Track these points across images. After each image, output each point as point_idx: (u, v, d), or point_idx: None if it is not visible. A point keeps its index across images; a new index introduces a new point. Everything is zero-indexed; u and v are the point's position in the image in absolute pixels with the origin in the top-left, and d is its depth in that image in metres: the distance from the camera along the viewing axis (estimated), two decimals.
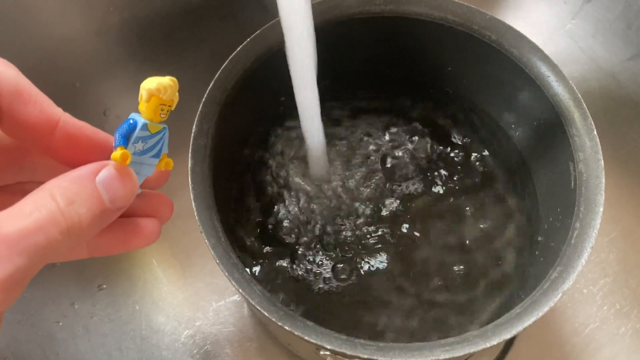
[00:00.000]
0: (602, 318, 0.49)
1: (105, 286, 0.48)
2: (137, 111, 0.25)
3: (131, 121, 0.24)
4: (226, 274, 0.33)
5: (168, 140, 0.26)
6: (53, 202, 0.21)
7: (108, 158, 0.25)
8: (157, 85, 0.24)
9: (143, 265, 0.50)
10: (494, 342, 0.32)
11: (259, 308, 0.32)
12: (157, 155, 0.26)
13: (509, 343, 0.48)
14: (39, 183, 0.28)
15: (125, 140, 0.24)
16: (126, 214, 0.27)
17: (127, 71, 0.51)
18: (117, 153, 0.23)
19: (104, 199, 0.22)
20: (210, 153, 0.38)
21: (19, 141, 0.25)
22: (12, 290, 0.19)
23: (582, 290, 0.50)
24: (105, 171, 0.23)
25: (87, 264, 0.48)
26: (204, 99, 0.39)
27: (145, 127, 0.24)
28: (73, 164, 0.26)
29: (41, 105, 0.24)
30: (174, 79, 0.24)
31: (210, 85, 0.39)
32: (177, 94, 0.25)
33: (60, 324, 0.44)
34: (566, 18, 0.55)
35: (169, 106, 0.25)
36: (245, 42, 0.41)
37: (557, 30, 0.56)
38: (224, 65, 0.40)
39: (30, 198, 0.21)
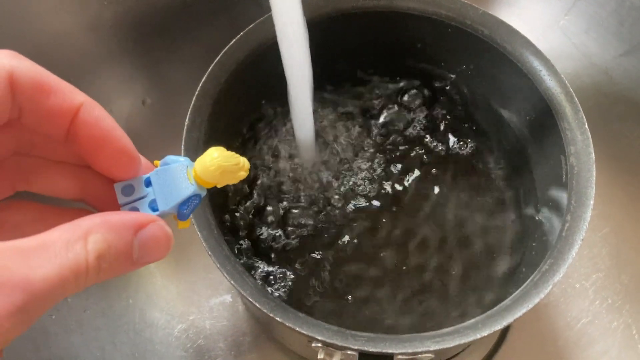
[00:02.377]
0: (594, 313, 0.49)
1: None
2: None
3: (197, 197, 0.23)
4: (218, 265, 0.33)
5: None
6: (84, 251, 0.20)
7: (119, 159, 0.25)
8: (235, 181, 0.23)
9: None
10: (485, 333, 0.32)
11: (251, 299, 0.32)
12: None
13: (502, 337, 0.48)
14: (34, 157, 0.27)
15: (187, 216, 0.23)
16: None
17: (121, 66, 0.51)
18: (185, 224, 0.23)
19: (133, 256, 0.21)
20: (203, 146, 0.38)
21: (39, 131, 0.25)
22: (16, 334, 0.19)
23: (574, 285, 0.50)
24: (149, 229, 0.22)
25: None
26: (196, 93, 0.39)
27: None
28: (86, 156, 0.25)
29: (63, 93, 0.23)
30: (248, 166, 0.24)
31: (204, 78, 0.39)
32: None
33: (53, 317, 0.44)
34: (559, 14, 0.55)
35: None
36: (238, 36, 0.41)
37: (550, 27, 0.56)
38: (217, 59, 0.40)
39: (64, 234, 0.20)
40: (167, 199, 0.23)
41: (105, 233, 0.20)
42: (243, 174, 0.23)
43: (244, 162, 0.24)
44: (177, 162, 0.24)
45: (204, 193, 0.24)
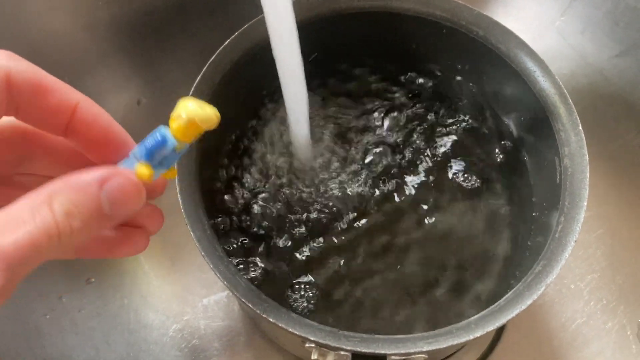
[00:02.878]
0: (589, 313, 0.49)
1: (93, 280, 0.48)
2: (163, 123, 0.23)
3: (159, 137, 0.23)
4: (211, 266, 0.33)
5: None
6: (50, 213, 0.20)
7: (119, 153, 0.25)
8: (205, 118, 0.23)
9: (132, 260, 0.50)
10: (478, 334, 0.32)
11: (244, 300, 0.32)
12: (167, 166, 0.25)
13: (497, 337, 0.48)
14: (37, 176, 0.28)
15: (151, 156, 0.23)
16: None
17: (116, 66, 0.51)
18: (144, 172, 0.22)
19: (105, 210, 0.21)
20: (196, 146, 0.38)
21: (37, 127, 0.25)
22: None
23: (569, 285, 0.50)
24: (114, 182, 0.21)
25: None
26: (190, 93, 0.39)
27: (173, 147, 0.23)
28: (89, 151, 0.26)
29: (60, 93, 0.24)
30: (218, 114, 0.23)
31: (198, 78, 0.39)
32: None
33: (48, 317, 0.44)
34: (555, 15, 0.56)
35: (200, 134, 0.24)
36: (232, 36, 0.41)
37: (546, 27, 0.56)
38: (211, 59, 0.40)
39: (29, 201, 0.20)
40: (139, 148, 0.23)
41: (68, 193, 0.20)
42: (212, 117, 0.23)
43: (212, 107, 0.23)
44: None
45: (183, 148, 0.23)
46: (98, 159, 0.26)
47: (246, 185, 0.45)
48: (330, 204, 0.44)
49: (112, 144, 0.25)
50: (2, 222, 0.19)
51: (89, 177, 0.21)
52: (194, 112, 0.22)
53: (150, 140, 0.23)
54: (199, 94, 0.39)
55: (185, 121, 0.22)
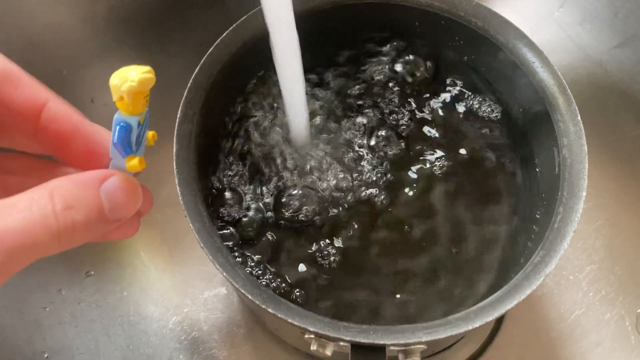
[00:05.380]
0: (587, 304, 0.49)
1: (93, 272, 0.48)
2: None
3: (123, 124, 0.23)
4: (210, 257, 0.33)
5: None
6: (50, 203, 0.20)
7: (92, 151, 0.25)
8: (138, 83, 0.22)
9: (131, 252, 0.50)
10: (476, 324, 0.32)
11: (243, 291, 0.32)
12: (143, 137, 0.25)
13: (496, 328, 0.48)
14: (14, 159, 0.27)
15: (130, 147, 0.23)
16: None
17: (114, 59, 0.51)
18: (134, 163, 0.23)
19: (104, 208, 0.22)
20: (195, 138, 0.38)
21: (6, 125, 0.25)
22: None
23: (568, 276, 0.50)
24: (111, 180, 0.22)
25: (75, 250, 0.47)
26: (189, 85, 0.39)
27: (138, 123, 0.23)
28: (57, 152, 0.26)
29: (29, 88, 0.24)
30: (148, 68, 0.23)
31: (196, 71, 0.39)
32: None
33: (47, 309, 0.45)
34: (554, 6, 0.55)
35: (147, 94, 0.24)
36: (231, 28, 0.41)
37: (545, 18, 0.56)
38: (209, 51, 0.40)
39: (28, 193, 0.20)
40: None
41: (70, 188, 0.21)
42: (136, 73, 0.22)
43: (135, 66, 0.23)
44: None
45: (133, 121, 0.23)
46: (71, 161, 0.25)
47: (245, 175, 0.45)
48: (329, 188, 0.44)
49: (87, 140, 0.25)
50: (1, 209, 0.19)
51: (88, 175, 0.22)
52: (124, 83, 0.22)
53: (117, 136, 0.23)
54: (197, 86, 0.39)
55: (125, 96, 0.22)
